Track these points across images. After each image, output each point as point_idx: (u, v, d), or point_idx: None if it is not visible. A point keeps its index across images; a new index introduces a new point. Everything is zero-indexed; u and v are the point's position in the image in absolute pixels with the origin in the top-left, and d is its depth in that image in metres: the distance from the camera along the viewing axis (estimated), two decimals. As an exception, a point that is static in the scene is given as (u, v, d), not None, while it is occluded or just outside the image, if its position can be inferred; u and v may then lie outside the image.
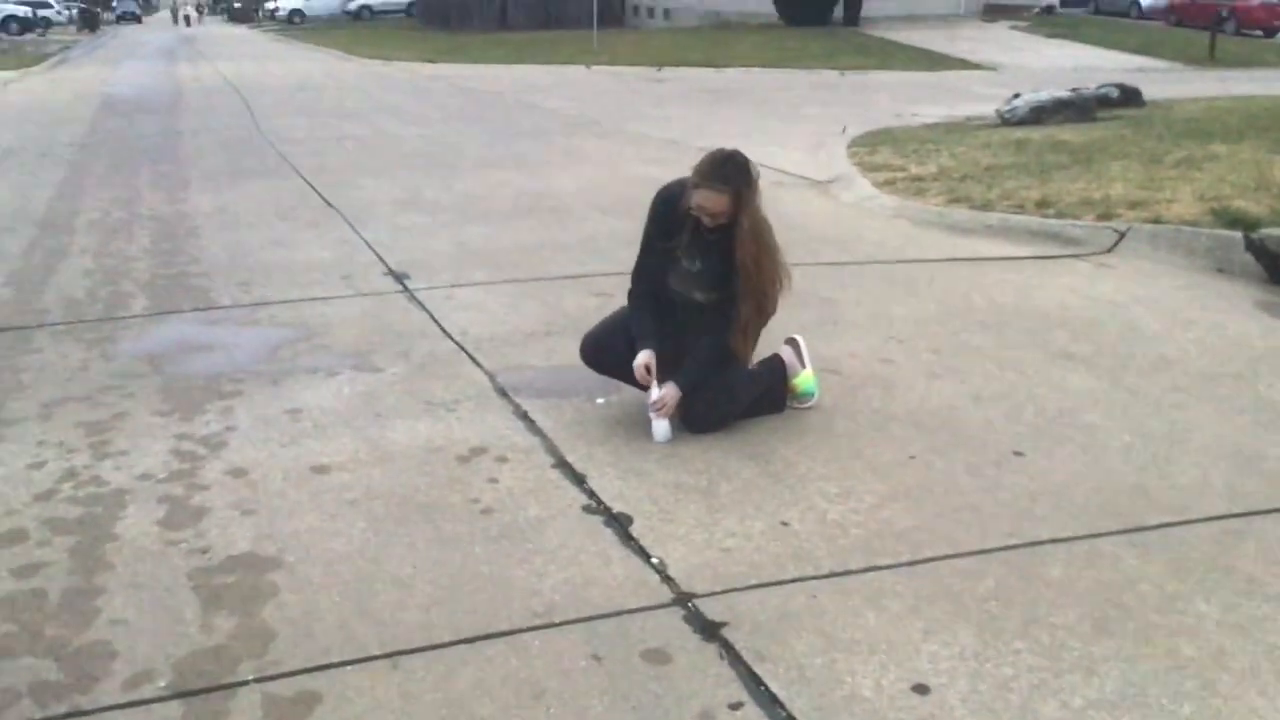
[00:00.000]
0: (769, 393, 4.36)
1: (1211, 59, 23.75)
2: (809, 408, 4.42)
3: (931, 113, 14.59)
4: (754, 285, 4.04)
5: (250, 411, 4.49)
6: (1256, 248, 6.34)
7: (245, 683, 2.71)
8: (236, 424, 4.36)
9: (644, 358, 4.14)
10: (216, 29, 65.61)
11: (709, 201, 3.94)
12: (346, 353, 5.20)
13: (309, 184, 9.97)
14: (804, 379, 4.44)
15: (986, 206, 7.97)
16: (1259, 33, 31.53)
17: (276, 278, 6.63)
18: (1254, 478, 3.78)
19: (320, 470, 3.91)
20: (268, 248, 7.44)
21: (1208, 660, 2.75)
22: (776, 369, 4.38)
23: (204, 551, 3.35)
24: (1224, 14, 30.22)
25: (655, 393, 4.11)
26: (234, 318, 5.87)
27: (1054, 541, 3.35)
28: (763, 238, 4.03)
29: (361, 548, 3.36)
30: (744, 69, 23.95)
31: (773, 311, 4.18)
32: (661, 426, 4.11)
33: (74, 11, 66.68)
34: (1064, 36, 30.16)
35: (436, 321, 5.67)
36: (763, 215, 4.04)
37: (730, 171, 3.93)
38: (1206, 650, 2.79)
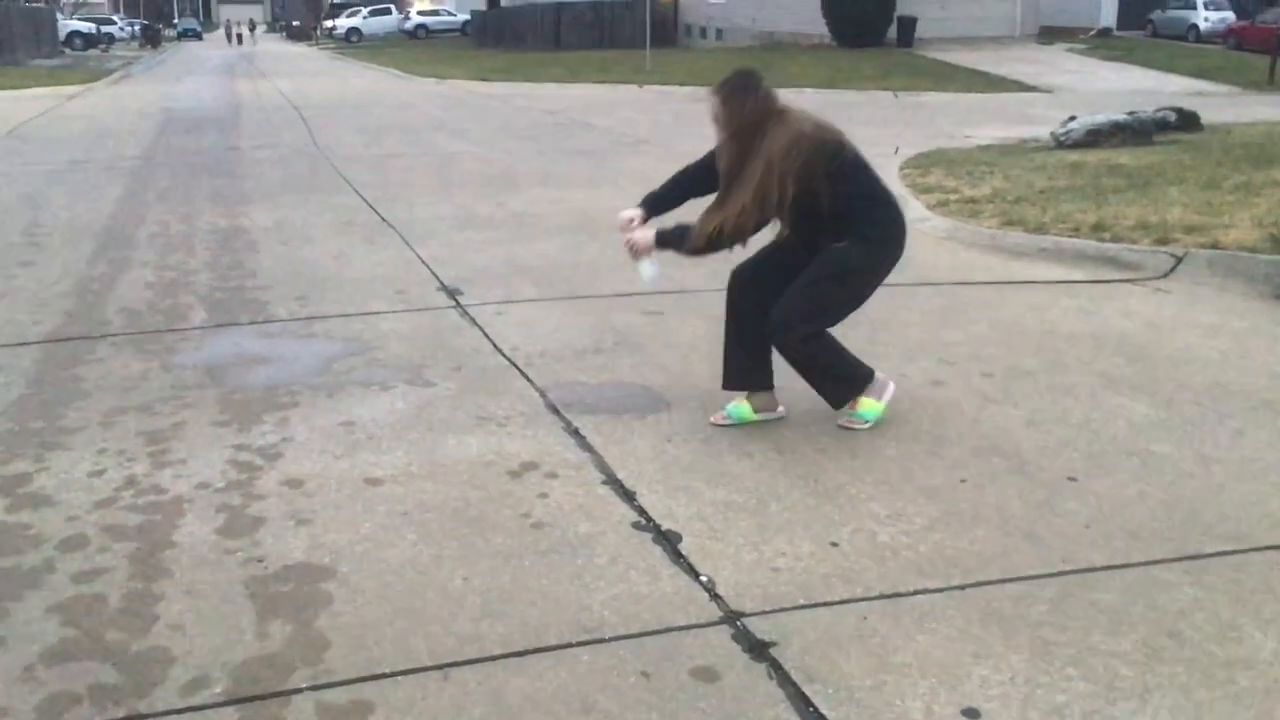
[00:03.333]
0: (837, 381, 4.40)
1: (1271, 83, 23.41)
2: (858, 428, 4.41)
3: (985, 134, 14.52)
4: (725, 182, 4.24)
5: (306, 423, 4.55)
6: (1317, 274, 6.25)
7: (299, 690, 2.75)
8: (293, 435, 4.42)
9: (629, 211, 4.53)
10: (275, 46, 66.63)
11: (707, 105, 4.28)
12: (400, 367, 5.26)
13: (365, 200, 10.10)
14: (872, 406, 4.44)
15: (1041, 229, 7.91)
16: (1321, 57, 31.02)
17: (332, 292, 6.72)
18: (1313, 508, 3.72)
19: (374, 482, 3.96)
20: (324, 262, 7.54)
21: (1263, 692, 2.71)
22: (861, 371, 4.41)
23: (260, 560, 3.40)
24: (1286, 38, 29.79)
25: (630, 235, 4.44)
26: (290, 331, 5.95)
27: (1108, 568, 3.32)
28: (743, 141, 4.16)
29: (414, 559, 3.39)
30: (796, 89, 23.91)
31: (738, 216, 4.14)
32: (645, 269, 4.42)
33: (136, 28, 68.06)
34: (1121, 59, 29.86)
35: (488, 337, 5.72)
36: (769, 128, 4.12)
37: (729, 78, 4.25)
38: (1262, 682, 2.75)
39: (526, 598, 3.17)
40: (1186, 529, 3.56)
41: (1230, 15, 35.86)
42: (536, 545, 3.48)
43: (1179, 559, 3.37)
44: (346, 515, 3.70)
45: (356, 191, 10.61)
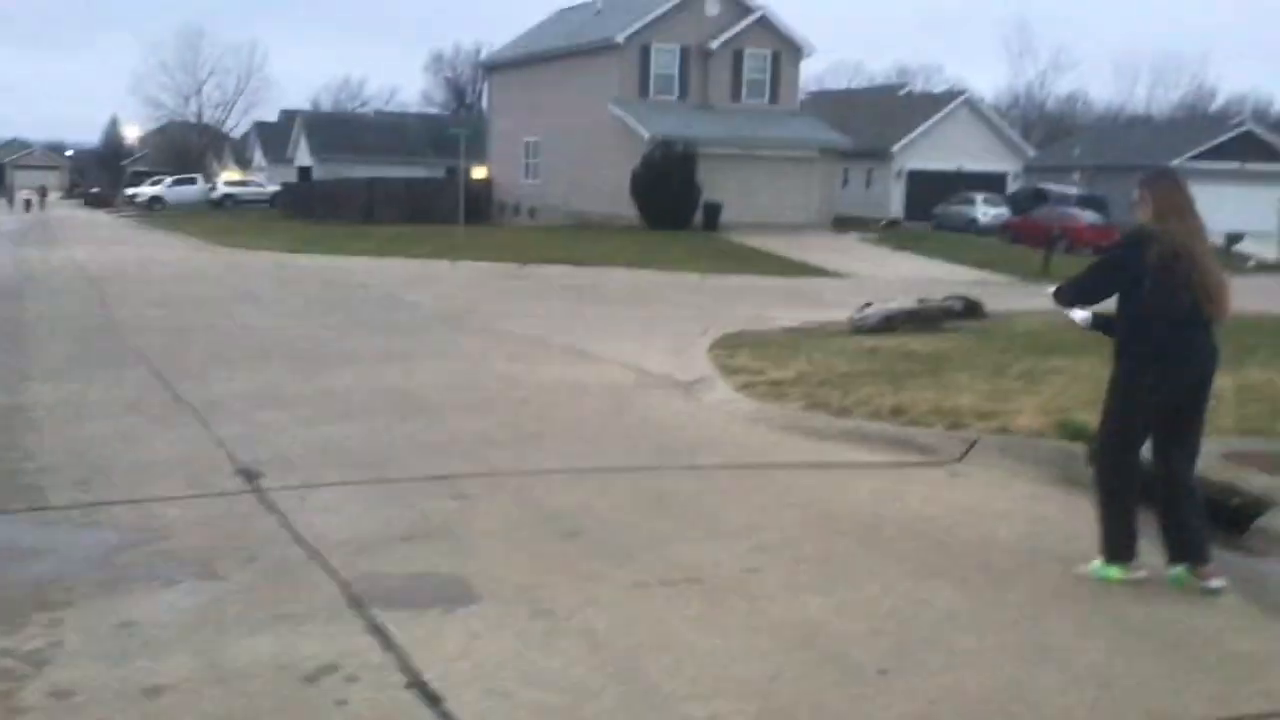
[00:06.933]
0: (1196, 534, 4.86)
1: (1046, 273, 25.22)
2: (1209, 588, 4.77)
3: (788, 316, 15.06)
4: None
5: (80, 624, 4.18)
6: (1099, 460, 6.57)
7: None
8: (63, 639, 4.05)
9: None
10: (74, 213, 64.56)
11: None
12: (188, 559, 4.93)
13: (160, 376, 9.66)
14: (1182, 574, 4.85)
15: (844, 413, 8.15)
16: (1089, 250, 33.74)
17: (119, 476, 6.32)
18: (1117, 702, 3.79)
19: (153, 692, 3.63)
20: (112, 443, 7.12)
21: None
22: (1199, 537, 4.87)
23: (15, 788, 3.04)
24: (1057, 233, 32.32)
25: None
26: (69, 519, 5.54)
27: (924, 766, 3.28)
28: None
29: (194, 782, 3.10)
30: (607, 268, 24.51)
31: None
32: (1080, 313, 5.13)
33: (-79, 191, 64.95)
34: (909, 249, 31.83)
35: (289, 524, 5.44)
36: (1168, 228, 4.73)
37: (1145, 174, 5.00)
38: None
39: (320, 822, 2.91)
40: (997, 722, 3.57)
41: (1005, 211, 38.83)
42: (333, 760, 3.23)
43: (992, 754, 3.36)
44: (120, 731, 3.37)
45: (152, 367, 10.16)
